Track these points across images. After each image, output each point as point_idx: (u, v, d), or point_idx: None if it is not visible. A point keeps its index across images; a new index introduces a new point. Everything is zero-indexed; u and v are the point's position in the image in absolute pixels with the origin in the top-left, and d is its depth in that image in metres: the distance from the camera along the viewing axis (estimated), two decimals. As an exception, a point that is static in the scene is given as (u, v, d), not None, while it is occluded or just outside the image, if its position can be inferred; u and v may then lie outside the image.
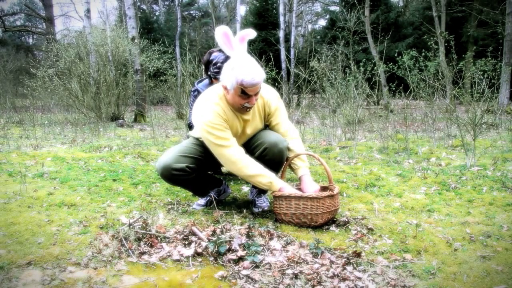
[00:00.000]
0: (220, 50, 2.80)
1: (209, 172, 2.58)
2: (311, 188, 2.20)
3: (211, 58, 2.86)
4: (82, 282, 1.49)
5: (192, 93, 3.04)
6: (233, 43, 2.08)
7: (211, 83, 2.94)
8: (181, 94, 8.35)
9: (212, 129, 2.05)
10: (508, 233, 2.03)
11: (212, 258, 1.73)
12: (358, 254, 1.77)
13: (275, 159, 2.20)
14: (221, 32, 2.06)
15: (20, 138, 5.49)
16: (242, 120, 2.18)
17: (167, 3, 30.23)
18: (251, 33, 2.10)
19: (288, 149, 2.24)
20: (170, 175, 2.15)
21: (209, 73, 2.90)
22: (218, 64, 2.79)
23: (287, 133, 2.29)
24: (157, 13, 28.73)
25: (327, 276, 1.58)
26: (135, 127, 7.89)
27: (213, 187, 2.53)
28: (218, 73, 2.76)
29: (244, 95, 2.00)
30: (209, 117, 2.05)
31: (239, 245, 1.78)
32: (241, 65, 1.94)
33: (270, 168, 2.23)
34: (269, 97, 2.25)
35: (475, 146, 3.80)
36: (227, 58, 2.72)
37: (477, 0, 15.04)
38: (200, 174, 2.29)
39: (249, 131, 2.24)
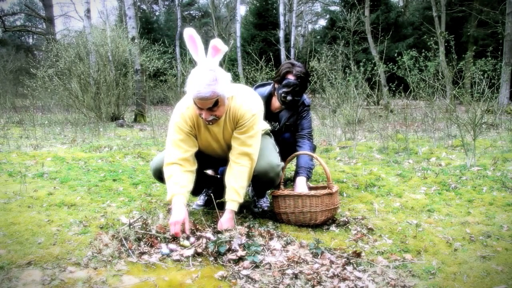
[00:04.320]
0: (298, 75, 2.46)
1: (211, 173, 2.61)
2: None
3: (285, 78, 2.49)
4: (82, 282, 1.49)
5: None
6: (200, 50, 1.94)
7: (270, 95, 2.64)
8: (181, 94, 8.34)
9: (173, 129, 2.06)
10: (508, 233, 2.03)
11: (212, 258, 1.73)
12: (358, 254, 1.77)
13: (263, 186, 2.27)
14: (187, 36, 1.95)
15: (20, 138, 5.49)
16: (212, 131, 2.10)
17: (167, 3, 30.24)
18: (223, 48, 1.92)
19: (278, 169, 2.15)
20: (161, 177, 2.17)
21: (279, 91, 2.52)
22: (286, 90, 2.48)
23: (238, 157, 2.05)
24: (157, 13, 28.74)
25: (327, 276, 1.58)
26: (135, 127, 7.89)
27: (210, 187, 2.53)
28: (286, 99, 2.49)
29: (197, 107, 1.92)
30: (176, 118, 2.07)
31: (239, 245, 1.78)
32: (193, 76, 1.86)
33: (261, 187, 2.30)
34: (244, 111, 2.02)
35: (475, 146, 3.80)
36: (299, 86, 2.48)
37: (477, 0, 15.04)
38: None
39: (223, 141, 2.15)
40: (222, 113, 1.99)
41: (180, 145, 2.04)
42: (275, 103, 2.62)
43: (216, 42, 1.90)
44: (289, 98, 2.49)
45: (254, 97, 2.10)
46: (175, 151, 2.04)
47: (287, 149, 2.61)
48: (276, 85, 2.56)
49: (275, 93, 2.58)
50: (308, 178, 2.49)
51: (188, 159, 2.06)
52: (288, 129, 2.70)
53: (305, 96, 2.69)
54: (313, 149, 2.72)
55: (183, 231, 1.88)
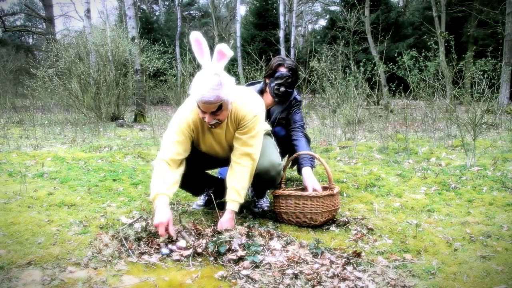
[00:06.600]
0: (289, 67, 2.56)
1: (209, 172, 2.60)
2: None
3: (277, 71, 2.58)
4: (82, 282, 1.49)
5: None
6: (206, 54, 1.93)
7: (261, 93, 2.69)
8: (181, 94, 8.34)
9: (174, 129, 2.04)
10: (508, 233, 2.03)
11: (212, 258, 1.73)
12: (358, 254, 1.77)
13: (263, 186, 2.27)
14: (193, 39, 1.94)
15: (20, 138, 5.49)
16: (215, 133, 2.10)
17: (167, 3, 30.24)
18: (229, 53, 1.91)
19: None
20: None
21: (271, 85, 2.60)
22: (278, 82, 2.56)
23: (239, 157, 2.06)
24: (157, 13, 28.74)
25: (327, 276, 1.58)
26: (135, 127, 7.89)
27: (211, 187, 2.53)
28: (278, 91, 2.57)
29: (201, 111, 1.92)
30: (179, 120, 2.05)
31: (239, 245, 1.78)
32: (198, 80, 1.85)
33: (261, 187, 2.31)
34: (246, 113, 2.04)
35: (475, 146, 3.80)
36: (291, 77, 2.56)
37: (477, 0, 15.04)
38: (193, 173, 2.27)
39: (225, 143, 2.16)
40: (225, 117, 1.99)
41: (177, 146, 2.03)
42: (267, 99, 2.68)
43: (222, 47, 1.91)
44: (282, 89, 2.57)
45: (255, 99, 2.12)
46: (171, 148, 2.03)
47: (279, 143, 2.66)
48: (267, 80, 2.63)
49: (267, 89, 2.65)
50: (313, 167, 2.51)
51: (177, 162, 2.04)
52: (280, 124, 2.76)
53: (295, 92, 2.76)
54: (308, 140, 2.77)
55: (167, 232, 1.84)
